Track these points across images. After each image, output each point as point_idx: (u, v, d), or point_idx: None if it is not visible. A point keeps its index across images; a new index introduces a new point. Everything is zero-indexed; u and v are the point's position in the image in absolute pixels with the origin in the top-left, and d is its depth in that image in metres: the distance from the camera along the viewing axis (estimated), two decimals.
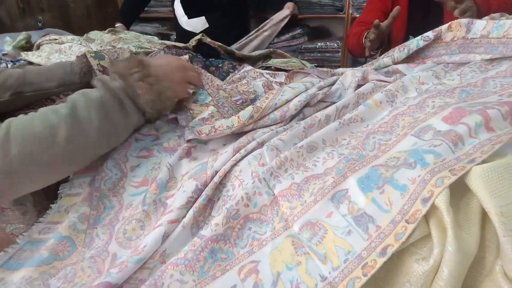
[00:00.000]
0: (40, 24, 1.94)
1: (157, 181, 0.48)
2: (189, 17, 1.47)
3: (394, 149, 0.44)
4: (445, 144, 0.38)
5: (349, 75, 0.67)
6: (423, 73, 0.62)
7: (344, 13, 1.87)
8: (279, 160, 0.46)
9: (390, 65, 0.71)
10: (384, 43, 1.08)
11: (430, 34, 0.66)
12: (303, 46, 2.05)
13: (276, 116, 0.55)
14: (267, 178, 0.45)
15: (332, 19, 1.94)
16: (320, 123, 0.54)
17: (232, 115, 0.55)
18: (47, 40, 1.12)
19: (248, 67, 0.76)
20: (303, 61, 1.06)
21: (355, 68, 0.73)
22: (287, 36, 2.00)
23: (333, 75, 0.76)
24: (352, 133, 0.53)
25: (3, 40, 1.23)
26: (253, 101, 0.61)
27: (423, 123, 0.45)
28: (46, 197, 0.77)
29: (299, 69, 0.75)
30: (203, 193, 0.45)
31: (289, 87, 0.64)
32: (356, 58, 1.95)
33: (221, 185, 0.47)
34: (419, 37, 0.67)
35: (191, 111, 0.59)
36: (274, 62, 1.04)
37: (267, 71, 0.74)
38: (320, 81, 0.69)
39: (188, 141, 0.52)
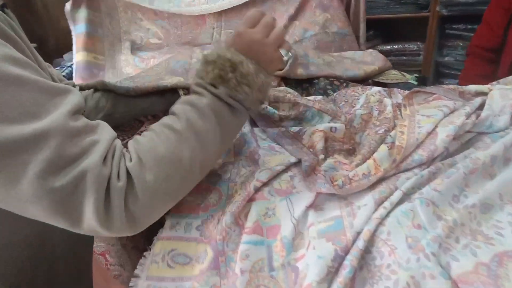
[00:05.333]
0: None
1: (282, 241, 0.39)
2: None
3: None
4: None
5: (498, 97, 0.53)
6: None
7: (429, 11, 1.65)
8: (446, 226, 0.35)
9: None
10: None
11: None
12: (377, 48, 1.87)
13: (422, 157, 0.44)
14: (436, 252, 0.33)
15: (412, 18, 1.73)
16: (484, 167, 0.41)
17: (374, 152, 0.45)
18: None
19: (357, 87, 0.65)
20: (404, 73, 0.92)
21: (500, 85, 0.58)
22: None
23: (461, 93, 0.62)
24: None
25: None
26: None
27: None
28: None
29: (419, 88, 0.62)
30: (347, 262, 0.35)
31: (423, 115, 0.52)
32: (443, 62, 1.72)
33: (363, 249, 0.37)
34: None
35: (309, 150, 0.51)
36: None
37: (380, 88, 0.62)
38: (454, 103, 0.55)
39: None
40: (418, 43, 1.77)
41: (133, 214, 0.36)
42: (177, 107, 0.43)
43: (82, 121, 0.36)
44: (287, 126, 0.59)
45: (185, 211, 0.49)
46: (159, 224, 0.67)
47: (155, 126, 0.41)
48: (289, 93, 0.65)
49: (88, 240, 0.59)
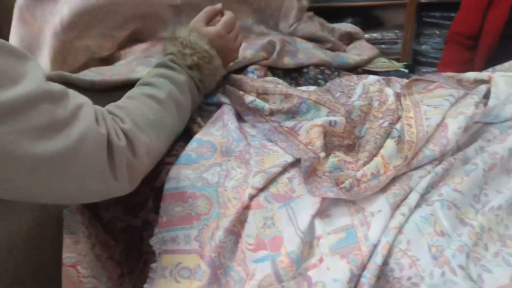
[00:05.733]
0: None
1: (289, 256, 0.34)
2: None
3: None
4: None
5: (503, 84, 0.50)
6: None
7: None
8: (473, 233, 0.31)
9: None
10: None
11: None
12: None
13: (434, 152, 0.39)
14: (464, 264, 0.29)
15: (390, 6, 1.71)
16: (502, 161, 0.38)
17: (380, 147, 0.40)
18: None
19: (351, 75, 0.60)
20: (392, 61, 0.88)
21: (501, 72, 0.55)
22: None
23: (459, 81, 0.59)
24: None
25: None
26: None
27: None
28: (106, 231, 0.66)
29: (419, 76, 0.58)
30: (364, 280, 0.31)
31: (428, 105, 0.48)
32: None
33: None
34: None
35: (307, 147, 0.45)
36: None
37: (379, 77, 0.58)
38: (458, 92, 0.52)
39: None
40: (396, 31, 1.76)
41: (134, 171, 0.39)
42: (155, 79, 0.48)
43: (56, 85, 0.34)
44: (278, 121, 0.53)
45: (178, 223, 0.43)
46: (139, 237, 0.60)
47: (136, 95, 0.46)
48: (279, 84, 0.59)
49: (54, 250, 0.53)
